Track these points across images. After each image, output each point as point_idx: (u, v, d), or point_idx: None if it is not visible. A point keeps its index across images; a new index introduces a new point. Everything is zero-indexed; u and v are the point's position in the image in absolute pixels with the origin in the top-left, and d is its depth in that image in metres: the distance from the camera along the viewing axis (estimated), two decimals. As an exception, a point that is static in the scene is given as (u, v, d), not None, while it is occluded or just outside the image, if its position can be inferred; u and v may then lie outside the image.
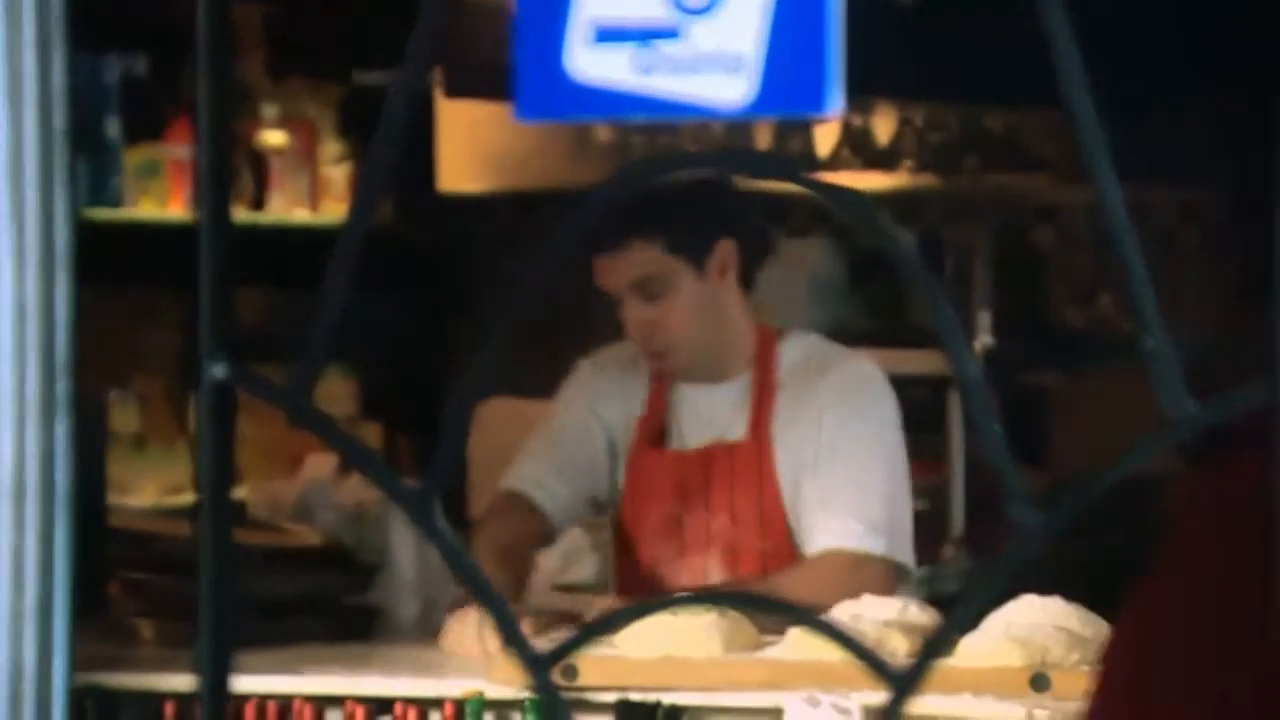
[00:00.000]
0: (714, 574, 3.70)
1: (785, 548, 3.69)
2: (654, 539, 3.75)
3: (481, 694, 3.34)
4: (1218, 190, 6.19)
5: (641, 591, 3.71)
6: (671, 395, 3.79)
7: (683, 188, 3.57)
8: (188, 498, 5.79)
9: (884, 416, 3.71)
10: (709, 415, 3.75)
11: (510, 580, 3.68)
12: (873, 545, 3.60)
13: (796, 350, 3.76)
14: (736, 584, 3.68)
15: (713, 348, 3.71)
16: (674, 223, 3.62)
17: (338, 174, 6.30)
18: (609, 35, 1.01)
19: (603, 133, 5.95)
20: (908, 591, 3.68)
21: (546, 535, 3.84)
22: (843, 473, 3.65)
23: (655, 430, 3.78)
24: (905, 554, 3.69)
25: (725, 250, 3.67)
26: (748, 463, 3.69)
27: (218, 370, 1.06)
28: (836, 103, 0.99)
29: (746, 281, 3.73)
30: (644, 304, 3.64)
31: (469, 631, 3.55)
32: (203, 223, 1.06)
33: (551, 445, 3.85)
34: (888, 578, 3.60)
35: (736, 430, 3.72)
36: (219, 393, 1.07)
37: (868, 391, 3.72)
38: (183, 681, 3.36)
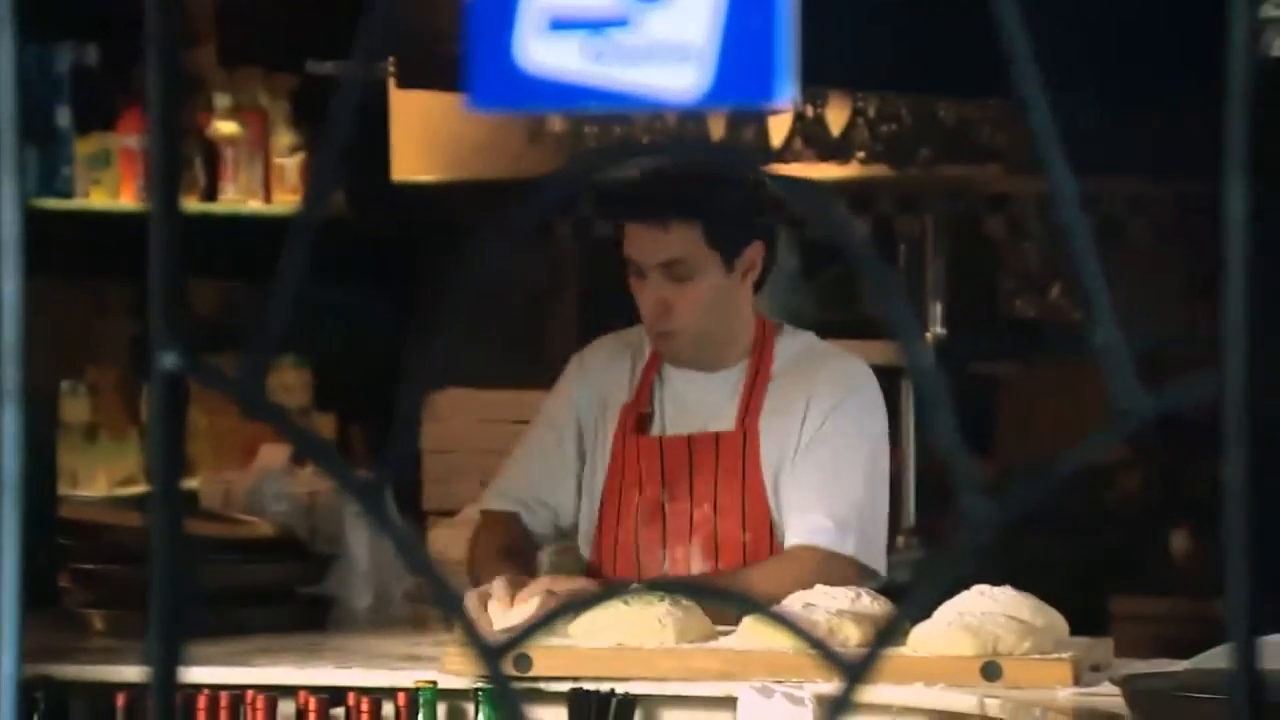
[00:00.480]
0: (695, 563, 3.71)
1: (766, 540, 3.70)
2: (635, 525, 3.75)
3: (434, 684, 3.34)
4: (1167, 183, 6.22)
5: (621, 577, 3.72)
6: (660, 380, 3.80)
7: (732, 183, 3.63)
8: (139, 488, 5.78)
9: (868, 418, 3.74)
10: (697, 403, 3.78)
11: (519, 574, 3.68)
12: (841, 545, 3.62)
13: (793, 346, 3.80)
14: (702, 574, 3.68)
15: (716, 339, 3.75)
16: (718, 214, 3.66)
17: (290, 164, 6.28)
18: (561, 24, 1.01)
19: (556, 122, 5.94)
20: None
21: (538, 539, 3.86)
22: (820, 469, 3.68)
23: (639, 416, 3.79)
24: (876, 559, 3.70)
25: (755, 252, 3.73)
26: (733, 454, 3.71)
27: (168, 360, 1.06)
28: (788, 92, 0.99)
29: (758, 285, 3.79)
30: (667, 283, 3.68)
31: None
32: (153, 212, 1.05)
33: (524, 457, 3.87)
34: (856, 580, 3.60)
35: (724, 420, 3.74)
36: (170, 383, 1.06)
37: (856, 392, 3.74)
38: (134, 672, 3.35)
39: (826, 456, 3.68)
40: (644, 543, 3.73)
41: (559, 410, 3.86)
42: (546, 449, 3.85)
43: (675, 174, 3.65)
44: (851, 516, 3.64)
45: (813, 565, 3.59)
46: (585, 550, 3.83)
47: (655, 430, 3.78)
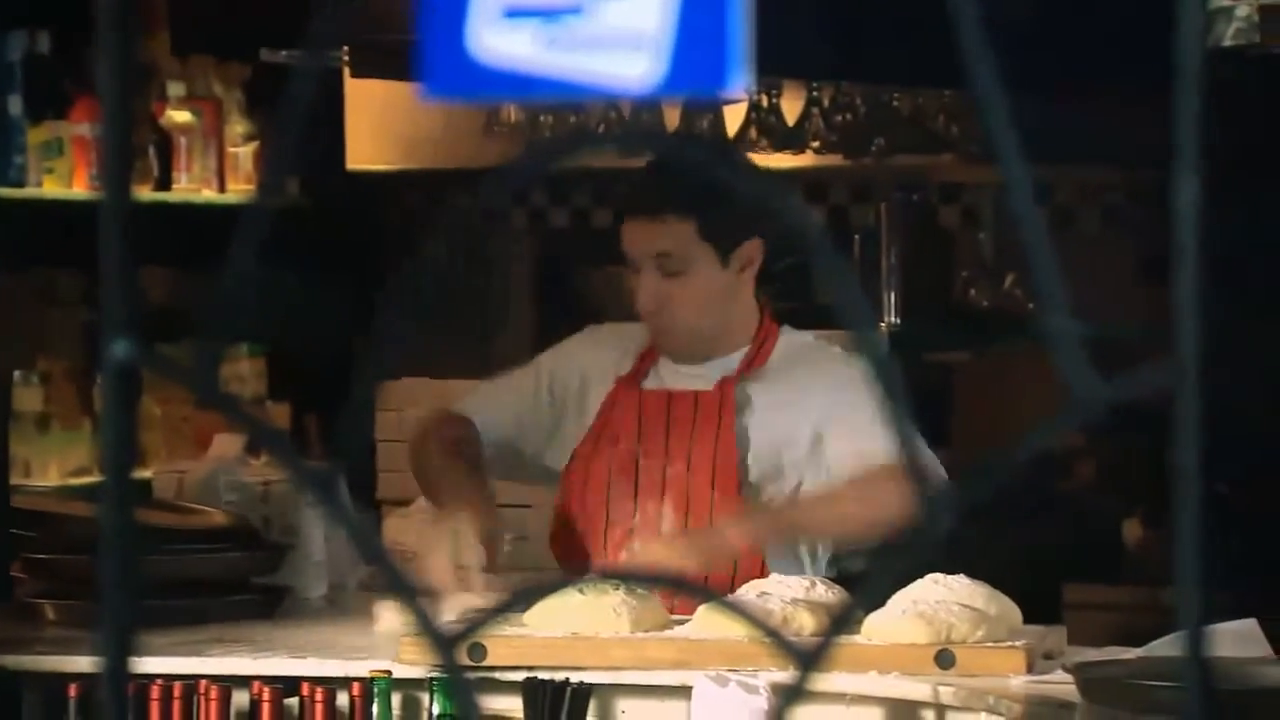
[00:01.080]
0: (666, 519, 3.74)
1: (734, 500, 3.72)
2: (609, 477, 3.77)
3: (389, 674, 3.34)
4: (1118, 170, 6.24)
5: (591, 532, 3.74)
6: (656, 367, 3.83)
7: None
8: (92, 478, 5.75)
9: (865, 382, 3.76)
10: (687, 375, 3.80)
11: (468, 470, 3.69)
12: (906, 459, 3.61)
13: (794, 341, 3.84)
14: (709, 531, 3.65)
15: (711, 335, 3.77)
16: (711, 210, 3.67)
17: (244, 153, 6.26)
18: (515, 13, 1.01)
19: (511, 112, 5.93)
20: (830, 554, 3.76)
21: (486, 460, 3.85)
22: (865, 420, 3.54)
23: (632, 383, 3.81)
24: (937, 469, 3.57)
25: (752, 248, 3.75)
26: (709, 413, 3.75)
27: (121, 350, 1.05)
28: (742, 82, 0.99)
29: (764, 278, 3.81)
30: (661, 277, 3.70)
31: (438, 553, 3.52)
32: (105, 201, 1.05)
33: (499, 389, 3.90)
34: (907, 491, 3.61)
35: (706, 386, 3.77)
36: (122, 372, 1.06)
37: (852, 366, 3.75)
38: (87, 663, 3.34)
39: (865, 412, 3.54)
40: (615, 494, 3.75)
41: (546, 360, 3.91)
42: (521, 388, 3.87)
43: (672, 168, 3.66)
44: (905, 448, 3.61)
45: (875, 472, 3.49)
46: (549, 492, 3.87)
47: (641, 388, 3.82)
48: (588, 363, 3.88)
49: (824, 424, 3.71)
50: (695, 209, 3.67)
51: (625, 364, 3.85)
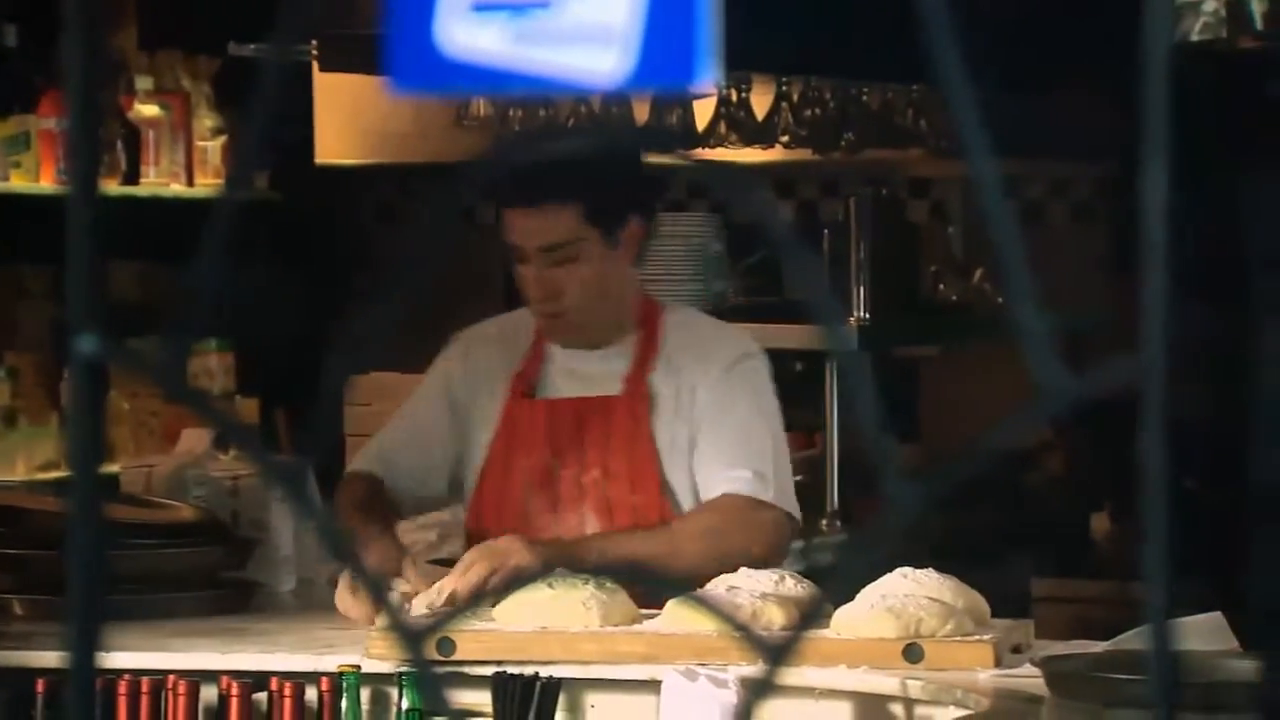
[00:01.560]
0: (589, 528, 3.74)
1: (656, 503, 3.74)
2: (524, 490, 3.76)
3: (358, 669, 3.33)
4: (1087, 165, 6.25)
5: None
6: (547, 357, 3.82)
7: (606, 160, 3.65)
8: (60, 473, 5.74)
9: (765, 388, 3.81)
10: (585, 376, 3.80)
11: (380, 527, 3.70)
12: (764, 493, 3.68)
13: (678, 322, 3.85)
14: (618, 539, 3.69)
15: (603, 317, 3.77)
16: (595, 193, 3.67)
17: (213, 147, 6.25)
18: (483, 7, 1.01)
19: (481, 106, 5.93)
20: (801, 546, 3.78)
21: (397, 505, 3.85)
22: (731, 430, 3.74)
23: (527, 386, 3.81)
24: (794, 505, 3.78)
25: (636, 227, 3.75)
26: (622, 418, 3.75)
27: (88, 344, 1.05)
28: (710, 76, 0.99)
29: (641, 257, 3.82)
30: (551, 266, 3.69)
31: (343, 594, 3.58)
32: (72, 195, 1.05)
33: (395, 427, 3.91)
34: (781, 525, 3.71)
35: (612, 388, 3.76)
36: (90, 367, 1.06)
37: (748, 358, 3.80)
38: (54, 658, 3.33)
39: (734, 418, 3.74)
40: (534, 509, 3.75)
41: (434, 384, 3.90)
42: (416, 420, 3.88)
43: (550, 157, 3.66)
44: (767, 469, 3.72)
45: (737, 512, 3.66)
46: (464, 516, 3.86)
47: (540, 398, 3.81)
48: (477, 376, 3.86)
49: (699, 426, 3.75)
50: (577, 194, 3.66)
51: (513, 365, 3.84)
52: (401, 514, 3.90)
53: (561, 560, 3.52)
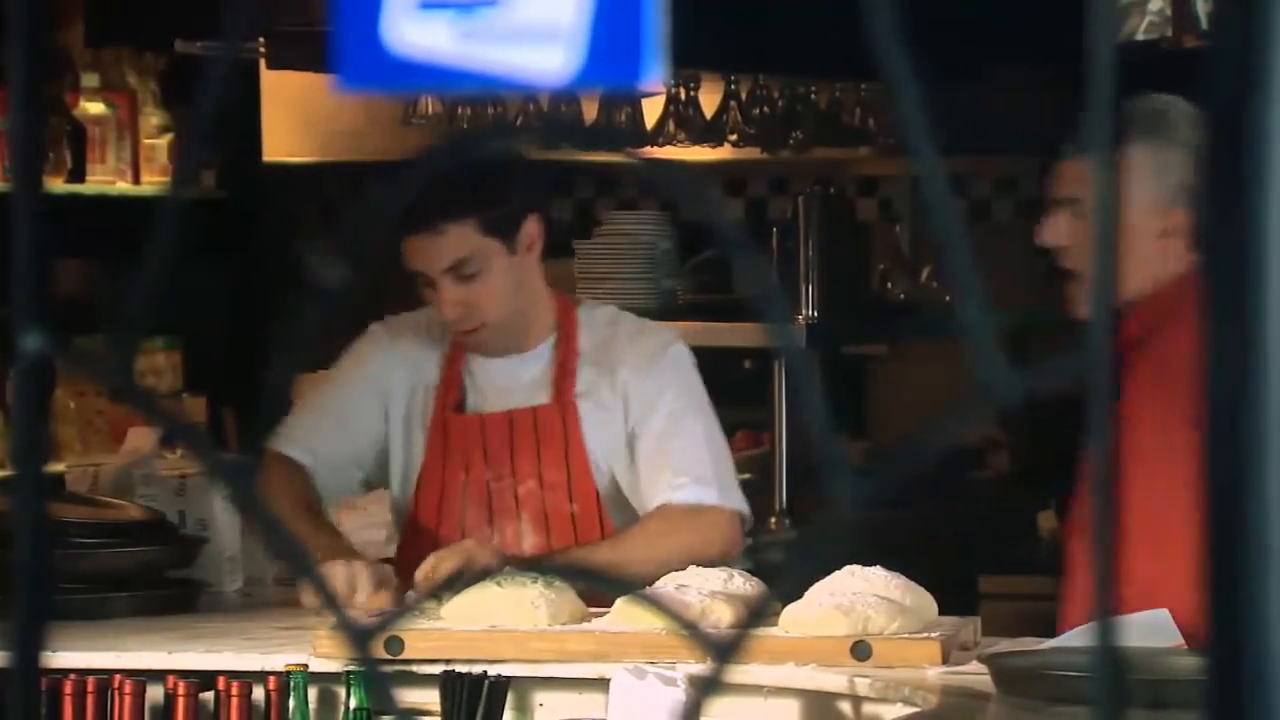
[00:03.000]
0: (526, 540, 3.73)
1: (594, 511, 3.75)
2: (462, 505, 3.76)
3: (305, 668, 3.32)
4: (1032, 161, 6.28)
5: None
6: (468, 366, 3.81)
7: (490, 167, 3.64)
8: (4, 472, 5.70)
9: (692, 378, 3.82)
10: (509, 385, 3.80)
11: (330, 534, 3.68)
12: (702, 496, 3.68)
13: (595, 320, 3.85)
14: (564, 551, 3.70)
15: (518, 322, 3.77)
16: (486, 203, 3.67)
17: (160, 145, 6.22)
18: (430, 4, 1.01)
19: (429, 104, 5.92)
20: (749, 544, 3.80)
21: (319, 497, 3.82)
22: (665, 434, 3.74)
23: (454, 398, 3.80)
24: (740, 502, 3.77)
25: (532, 226, 3.74)
26: (553, 427, 3.75)
27: (33, 342, 1.05)
28: (656, 74, 0.99)
29: (552, 252, 3.84)
30: (459, 284, 3.68)
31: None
32: (16, 193, 1.04)
33: (320, 410, 3.84)
34: (729, 524, 3.71)
35: (539, 396, 3.76)
36: (35, 365, 1.05)
37: (673, 356, 3.81)
38: None
39: (667, 421, 3.75)
40: (470, 523, 3.74)
41: (358, 376, 3.84)
42: (343, 412, 3.82)
43: (434, 178, 3.63)
44: (707, 470, 3.73)
45: (681, 519, 3.65)
46: (397, 529, 3.83)
47: (471, 411, 3.80)
48: (401, 371, 3.83)
49: (634, 425, 3.76)
50: (470, 209, 3.65)
51: (430, 367, 3.82)
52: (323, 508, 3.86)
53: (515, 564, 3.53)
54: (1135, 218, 3.45)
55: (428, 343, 3.85)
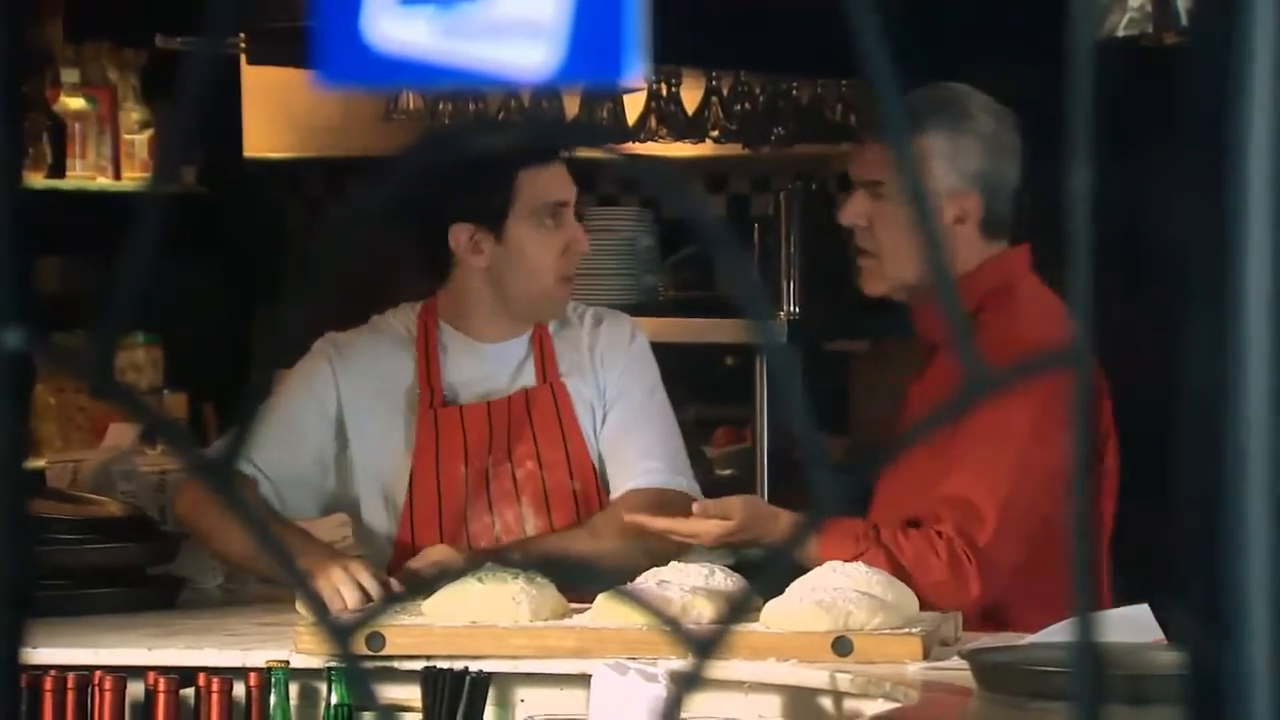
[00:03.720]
0: (529, 522, 3.75)
1: (594, 486, 3.79)
2: (459, 497, 3.75)
3: (286, 664, 3.32)
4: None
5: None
6: (444, 360, 3.81)
7: (476, 164, 3.66)
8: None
9: (655, 366, 3.87)
10: (490, 372, 3.81)
11: (310, 538, 3.68)
12: (674, 481, 3.73)
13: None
14: (540, 542, 3.71)
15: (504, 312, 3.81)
16: (478, 201, 3.70)
17: (140, 140, 6.21)
18: (410, 0, 1.01)
19: (410, 100, 5.91)
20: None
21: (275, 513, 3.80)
22: (632, 420, 3.80)
23: (438, 393, 3.79)
24: (696, 487, 3.83)
25: (461, 233, 3.73)
26: (546, 408, 3.77)
27: (13, 338, 1.04)
28: (637, 70, 0.99)
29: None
30: (573, 222, 3.81)
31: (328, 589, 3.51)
32: (-4, 188, 1.04)
33: (273, 433, 3.76)
34: (688, 512, 3.76)
35: (526, 380, 3.78)
36: (15, 361, 1.05)
37: (640, 343, 3.87)
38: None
39: (633, 407, 3.80)
40: (472, 513, 3.75)
41: (309, 398, 3.80)
42: (294, 429, 3.78)
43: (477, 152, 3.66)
44: (676, 456, 3.78)
45: (646, 505, 3.70)
46: (389, 528, 3.78)
47: (457, 403, 3.80)
48: (376, 376, 3.82)
49: (611, 404, 3.83)
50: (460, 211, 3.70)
51: (401, 367, 3.81)
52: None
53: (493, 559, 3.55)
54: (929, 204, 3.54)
55: (392, 345, 3.83)
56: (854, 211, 3.73)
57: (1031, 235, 3.89)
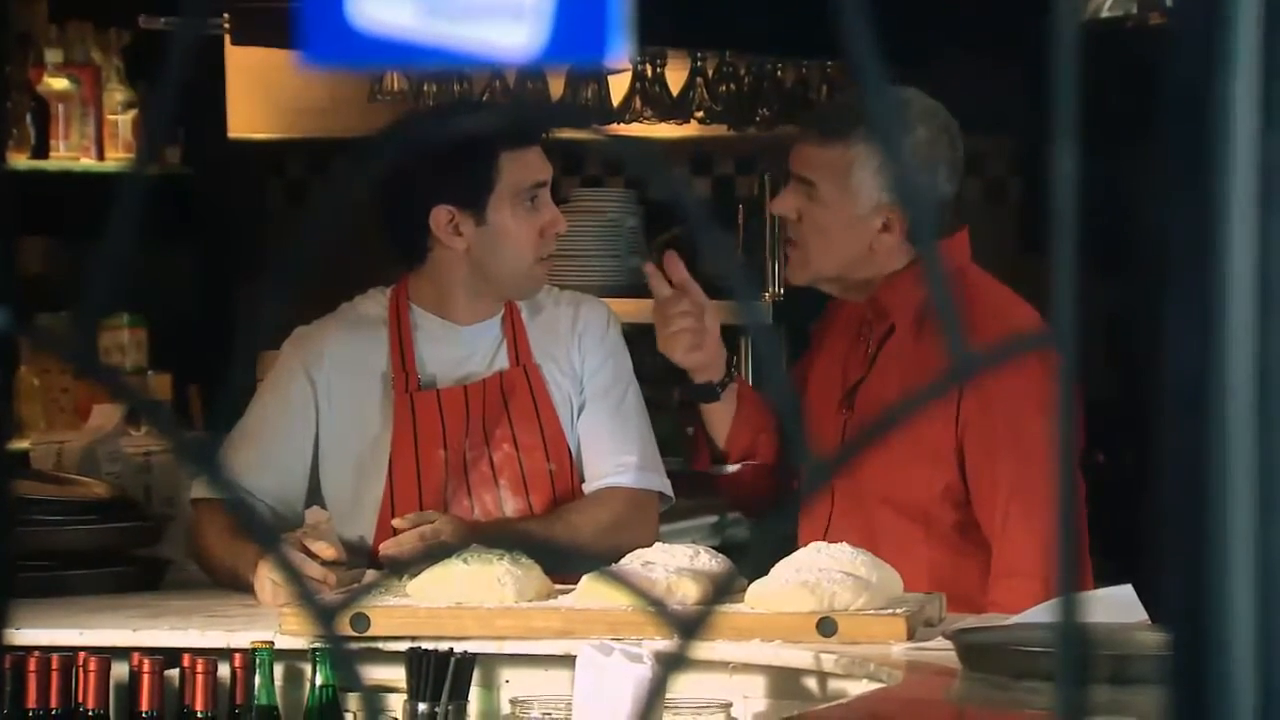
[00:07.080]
0: (507, 505, 3.75)
1: (569, 469, 3.79)
2: (444, 480, 3.75)
3: (271, 645, 3.32)
4: (999, 140, 6.28)
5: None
6: (418, 345, 3.80)
7: (459, 146, 3.65)
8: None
9: (625, 353, 3.88)
10: (464, 355, 3.80)
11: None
12: (647, 481, 3.75)
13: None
14: (522, 525, 3.72)
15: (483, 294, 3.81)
16: (461, 182, 3.68)
17: (124, 121, 6.20)
18: (394, -19, 1.01)
19: (395, 80, 5.90)
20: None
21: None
22: (607, 411, 3.80)
23: (413, 377, 3.78)
24: (668, 487, 3.84)
25: (441, 215, 3.71)
26: (520, 390, 3.78)
27: (-4, 319, 1.04)
28: (622, 51, 0.99)
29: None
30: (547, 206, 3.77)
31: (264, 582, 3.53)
32: (-21, 168, 1.04)
33: (249, 438, 3.75)
34: (657, 510, 3.79)
35: (500, 363, 3.78)
36: (-2, 342, 1.05)
37: (615, 330, 3.86)
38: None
39: (611, 400, 3.81)
40: (451, 496, 3.75)
41: (288, 413, 3.79)
42: (283, 453, 3.77)
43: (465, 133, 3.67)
44: (647, 452, 3.79)
45: (622, 504, 3.73)
46: (369, 519, 3.77)
47: (432, 388, 3.79)
48: (348, 367, 3.80)
49: (586, 392, 3.82)
50: (438, 195, 3.69)
51: (374, 354, 3.80)
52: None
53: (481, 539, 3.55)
54: (861, 208, 3.69)
55: (367, 332, 3.82)
56: (785, 204, 3.82)
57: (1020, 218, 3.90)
